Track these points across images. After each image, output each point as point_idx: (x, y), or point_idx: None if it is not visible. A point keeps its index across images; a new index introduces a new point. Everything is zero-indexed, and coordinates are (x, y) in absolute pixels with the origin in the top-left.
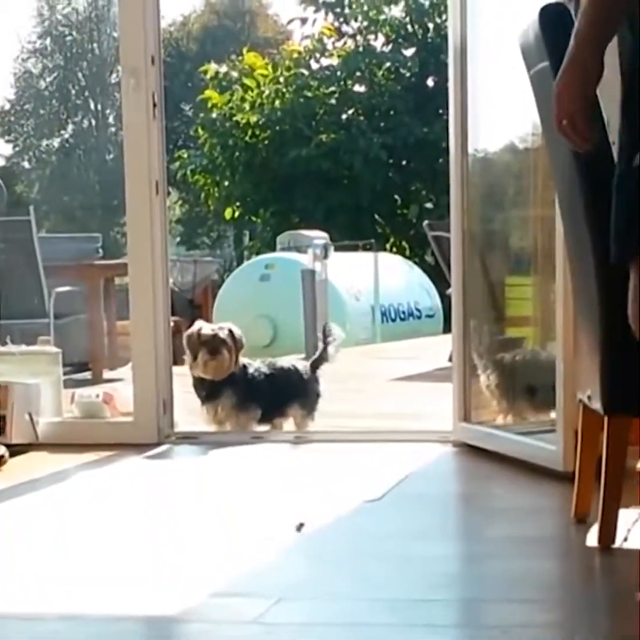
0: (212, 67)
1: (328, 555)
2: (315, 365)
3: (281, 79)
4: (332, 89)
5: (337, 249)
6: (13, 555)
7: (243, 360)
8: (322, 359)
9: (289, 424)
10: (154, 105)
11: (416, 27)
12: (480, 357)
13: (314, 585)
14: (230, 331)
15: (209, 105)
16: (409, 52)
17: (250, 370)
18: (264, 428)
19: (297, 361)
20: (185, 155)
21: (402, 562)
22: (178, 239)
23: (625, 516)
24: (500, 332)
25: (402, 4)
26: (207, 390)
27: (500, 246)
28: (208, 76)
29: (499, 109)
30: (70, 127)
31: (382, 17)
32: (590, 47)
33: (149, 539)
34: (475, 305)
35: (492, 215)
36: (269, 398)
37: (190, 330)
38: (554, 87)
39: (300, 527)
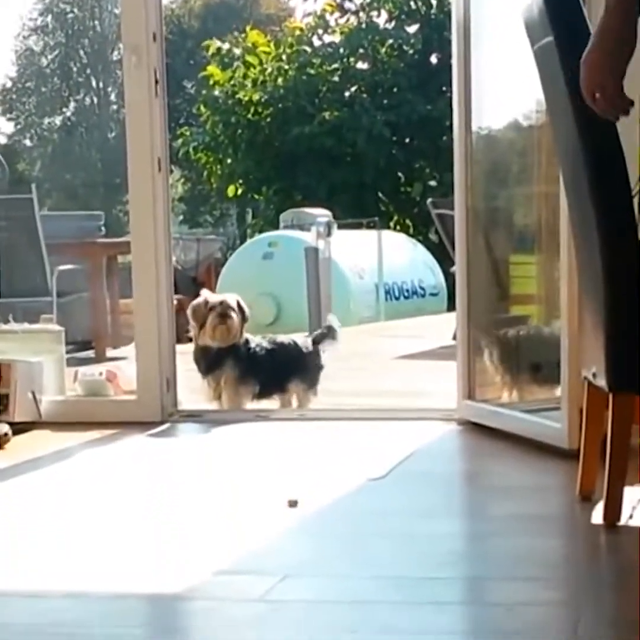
0: (215, 43)
1: (332, 533)
2: (316, 340)
3: (284, 56)
4: (335, 66)
5: (340, 227)
6: (16, 533)
7: (245, 335)
8: (324, 335)
9: (294, 400)
10: (156, 82)
11: (419, 3)
12: (484, 333)
13: (319, 564)
14: (237, 300)
15: (211, 82)
16: (412, 28)
17: (252, 344)
18: (263, 403)
19: (298, 336)
20: (187, 133)
21: (406, 540)
22: (181, 217)
23: (630, 494)
24: (504, 310)
25: None
26: (210, 361)
27: (504, 224)
28: (210, 52)
29: (502, 85)
30: (72, 104)
31: None
32: (622, 15)
33: (152, 518)
34: (479, 284)
35: (496, 193)
36: (269, 372)
37: (196, 301)
38: (585, 57)
39: (293, 504)
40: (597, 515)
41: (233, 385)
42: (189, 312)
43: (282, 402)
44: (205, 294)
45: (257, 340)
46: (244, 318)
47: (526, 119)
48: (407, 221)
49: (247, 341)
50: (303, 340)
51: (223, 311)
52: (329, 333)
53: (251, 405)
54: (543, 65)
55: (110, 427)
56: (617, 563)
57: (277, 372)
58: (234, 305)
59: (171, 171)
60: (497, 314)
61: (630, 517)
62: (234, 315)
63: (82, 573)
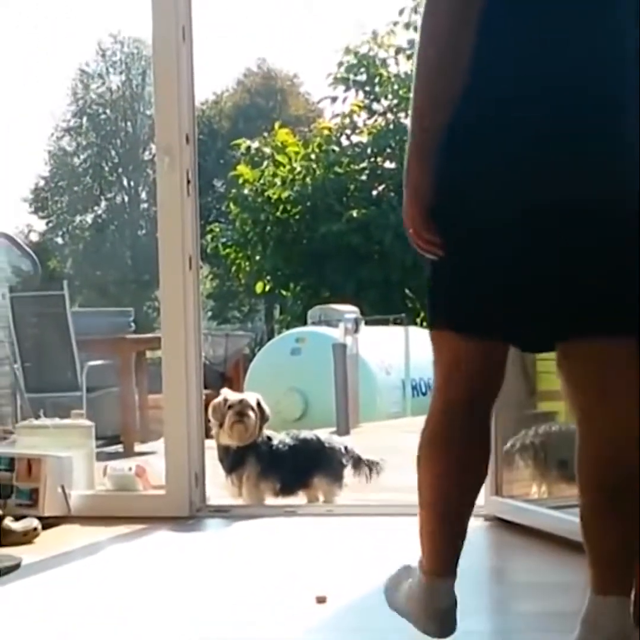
0: (245, 142)
1: (359, 631)
2: (340, 434)
3: (312, 156)
4: (363, 165)
5: (367, 323)
6: (45, 629)
7: (267, 432)
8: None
9: (320, 496)
10: (188, 182)
11: None
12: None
13: None
14: (257, 399)
15: (241, 180)
16: None
17: (274, 441)
18: (290, 499)
19: (321, 432)
20: (216, 229)
21: (432, 638)
22: (209, 313)
23: None
24: (532, 406)
25: None
26: (232, 460)
27: None
28: (240, 150)
29: None
30: (103, 203)
31: (411, 94)
32: (417, 166)
33: (180, 614)
34: (506, 379)
35: None
36: (291, 468)
37: (216, 400)
38: (405, 211)
39: (321, 600)
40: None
41: (254, 482)
42: (209, 410)
43: (309, 498)
44: (225, 392)
45: (280, 437)
46: (263, 417)
47: None
48: None
49: (269, 438)
50: (326, 435)
51: (241, 410)
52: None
53: (275, 501)
54: None
55: (138, 522)
56: None
57: (300, 467)
58: (253, 403)
59: (200, 267)
60: (525, 410)
61: None
62: (251, 414)
63: None
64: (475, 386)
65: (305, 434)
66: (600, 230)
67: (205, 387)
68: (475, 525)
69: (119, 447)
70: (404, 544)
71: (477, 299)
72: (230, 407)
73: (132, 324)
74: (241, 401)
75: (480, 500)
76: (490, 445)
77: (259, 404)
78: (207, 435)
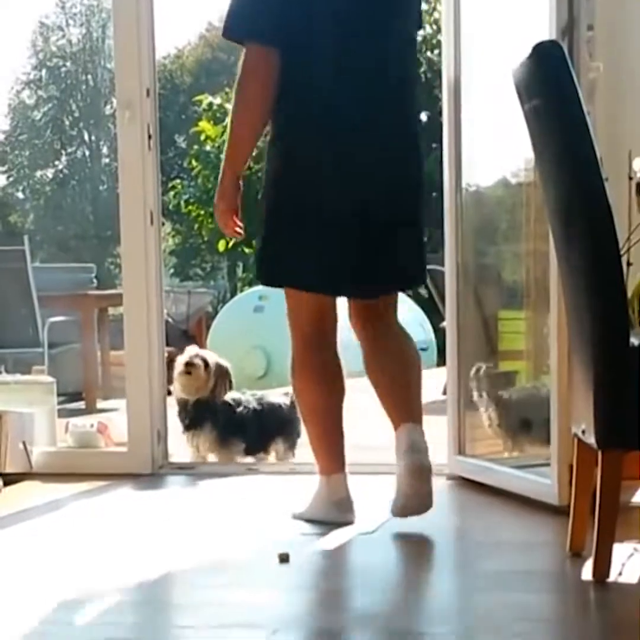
0: (207, 98)
1: (323, 587)
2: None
3: None
4: None
5: None
6: (5, 584)
7: (231, 394)
8: None
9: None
10: (149, 137)
11: None
12: (481, 394)
13: (310, 618)
14: (216, 359)
15: (203, 136)
16: None
17: (239, 407)
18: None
19: (284, 397)
20: (179, 186)
21: (396, 595)
22: (171, 270)
23: (620, 550)
24: (493, 365)
25: None
26: (189, 416)
27: (493, 280)
28: (202, 107)
29: (491, 143)
30: (64, 157)
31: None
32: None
33: (140, 571)
34: (469, 339)
35: (485, 249)
36: (252, 434)
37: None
38: (216, 205)
39: (284, 558)
40: (587, 572)
41: (213, 448)
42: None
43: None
44: (188, 349)
45: (244, 399)
46: (222, 376)
47: (515, 176)
48: None
49: (233, 403)
50: (285, 401)
51: (189, 361)
52: None
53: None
54: (533, 125)
55: (100, 479)
56: (607, 620)
57: (261, 433)
58: (209, 359)
59: (163, 224)
60: (487, 370)
61: (620, 574)
62: (200, 366)
63: (64, 622)
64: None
65: (272, 398)
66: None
67: (168, 345)
68: (439, 485)
69: (81, 404)
70: (365, 500)
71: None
72: (182, 362)
73: (94, 280)
74: (195, 354)
75: (443, 459)
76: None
77: (219, 365)
78: (169, 392)
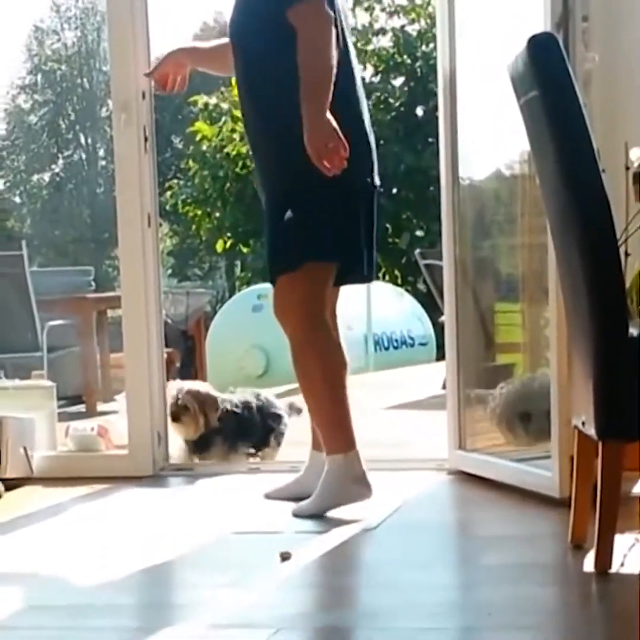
0: (202, 98)
1: (325, 584)
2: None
3: None
4: None
5: None
6: (7, 590)
7: (228, 400)
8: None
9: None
10: (145, 139)
11: (404, 56)
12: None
13: (313, 616)
14: (194, 394)
15: (199, 136)
16: (397, 82)
17: (238, 408)
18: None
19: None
20: (175, 186)
21: (399, 591)
22: (169, 270)
23: (622, 541)
24: (491, 359)
25: (389, 34)
26: (196, 446)
27: (489, 273)
28: (197, 107)
29: (488, 136)
30: (60, 161)
31: (370, 47)
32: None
33: (144, 572)
34: (467, 333)
35: (482, 242)
36: (260, 430)
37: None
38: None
39: (285, 557)
40: (589, 563)
41: (226, 459)
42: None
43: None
44: (171, 389)
45: (243, 401)
46: (208, 406)
47: (510, 169)
48: (395, 271)
49: (233, 410)
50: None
51: (174, 410)
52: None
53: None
54: (529, 118)
55: (101, 482)
56: (609, 611)
57: (265, 428)
58: (188, 402)
59: (160, 225)
60: (485, 363)
61: (622, 565)
62: (186, 411)
63: (66, 626)
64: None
65: (265, 394)
66: None
67: (167, 345)
68: (439, 479)
69: (81, 407)
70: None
71: None
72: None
73: (92, 283)
74: (176, 401)
75: (444, 453)
76: None
77: (201, 400)
78: None
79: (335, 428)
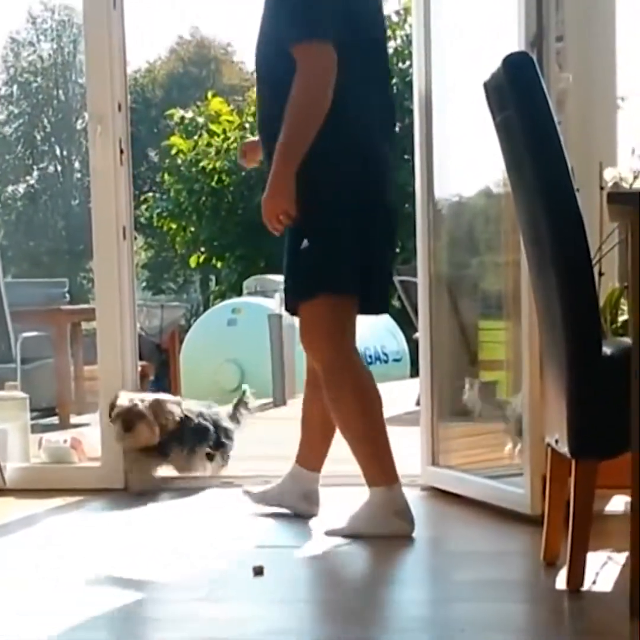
0: (178, 112)
1: (298, 600)
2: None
3: (247, 125)
4: None
5: None
6: None
7: (186, 410)
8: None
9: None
10: (121, 151)
11: None
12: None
13: (286, 631)
14: (150, 403)
15: (175, 150)
16: None
17: (194, 419)
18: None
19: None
20: (151, 200)
21: (371, 606)
22: (144, 283)
23: (594, 559)
24: (474, 375)
25: None
26: (155, 454)
27: (471, 289)
28: (174, 121)
29: (465, 154)
30: (35, 172)
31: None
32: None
33: (115, 586)
34: (443, 350)
35: (462, 260)
36: (215, 436)
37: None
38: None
39: (258, 571)
40: (561, 581)
41: (186, 468)
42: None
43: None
44: (122, 396)
45: (197, 411)
46: (156, 413)
47: (491, 187)
48: None
49: (186, 417)
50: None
51: (124, 419)
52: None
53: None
54: (505, 137)
55: (74, 494)
56: (581, 628)
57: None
58: (144, 409)
59: (135, 238)
60: (466, 379)
61: (594, 582)
62: (140, 423)
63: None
64: None
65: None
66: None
67: (141, 358)
68: (412, 495)
69: (54, 419)
70: (339, 514)
71: None
72: (118, 414)
73: (67, 295)
74: (130, 410)
75: (417, 470)
76: None
77: (151, 408)
78: None
79: (376, 461)
